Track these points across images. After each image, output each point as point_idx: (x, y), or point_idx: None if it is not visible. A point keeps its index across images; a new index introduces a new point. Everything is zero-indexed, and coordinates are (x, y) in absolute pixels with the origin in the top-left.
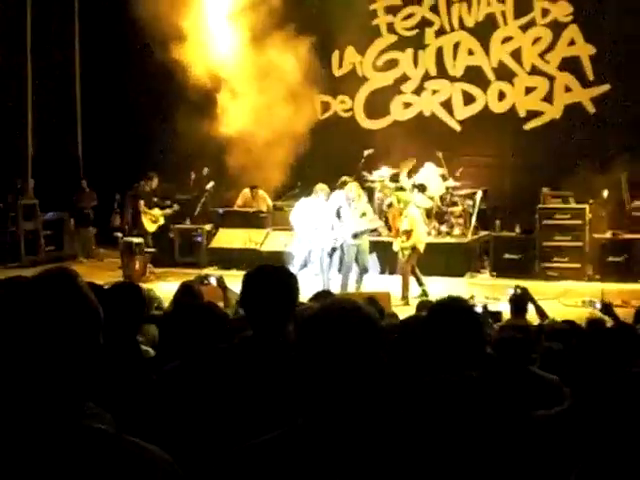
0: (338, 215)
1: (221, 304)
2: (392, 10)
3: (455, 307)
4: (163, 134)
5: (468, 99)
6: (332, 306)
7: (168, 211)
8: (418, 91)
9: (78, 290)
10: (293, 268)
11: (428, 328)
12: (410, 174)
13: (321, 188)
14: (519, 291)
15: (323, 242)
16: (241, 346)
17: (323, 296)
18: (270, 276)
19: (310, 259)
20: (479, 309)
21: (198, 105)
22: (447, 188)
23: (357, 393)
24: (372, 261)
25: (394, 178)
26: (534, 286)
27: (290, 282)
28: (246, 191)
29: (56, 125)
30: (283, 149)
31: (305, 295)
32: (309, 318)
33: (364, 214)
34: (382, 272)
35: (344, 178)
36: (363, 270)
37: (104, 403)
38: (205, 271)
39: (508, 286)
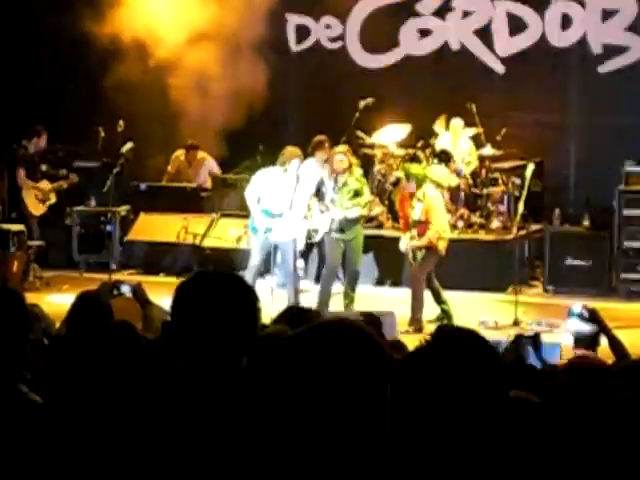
0: (319, 194)
1: (140, 325)
2: None
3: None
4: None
5: (516, 26)
6: (320, 329)
7: (63, 184)
8: (442, 12)
9: None
10: (247, 275)
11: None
12: (426, 141)
13: (291, 154)
14: (586, 314)
15: (291, 234)
16: (168, 396)
17: (295, 316)
18: (217, 288)
19: (276, 261)
20: (527, 340)
21: None
22: (482, 158)
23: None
24: (368, 266)
25: (407, 143)
26: (609, 307)
27: (247, 297)
28: (179, 153)
29: None
30: (232, 93)
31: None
32: (284, 346)
33: (357, 194)
34: (381, 282)
35: (319, 137)
36: (353, 276)
37: None
38: (117, 276)
39: (570, 307)
